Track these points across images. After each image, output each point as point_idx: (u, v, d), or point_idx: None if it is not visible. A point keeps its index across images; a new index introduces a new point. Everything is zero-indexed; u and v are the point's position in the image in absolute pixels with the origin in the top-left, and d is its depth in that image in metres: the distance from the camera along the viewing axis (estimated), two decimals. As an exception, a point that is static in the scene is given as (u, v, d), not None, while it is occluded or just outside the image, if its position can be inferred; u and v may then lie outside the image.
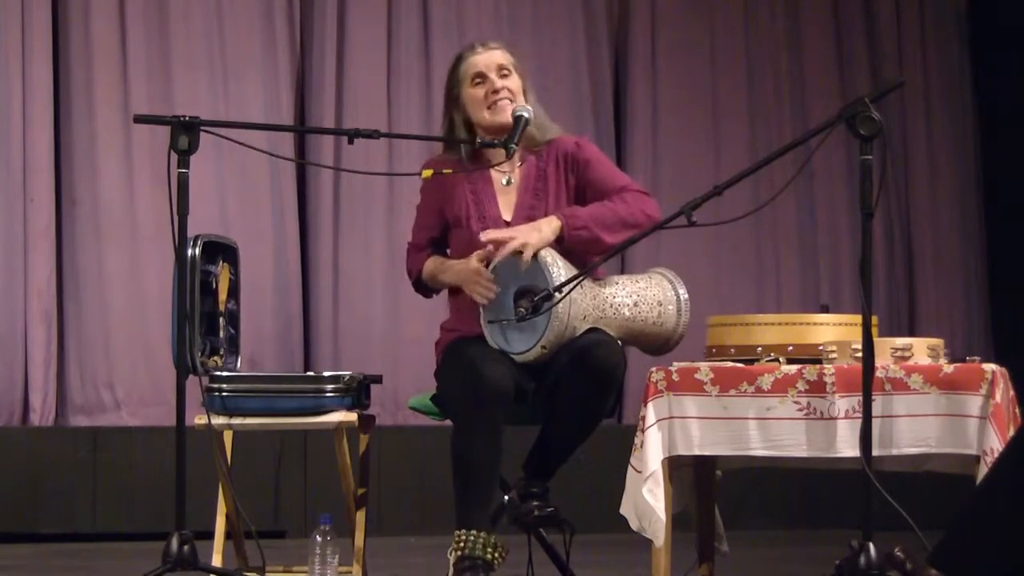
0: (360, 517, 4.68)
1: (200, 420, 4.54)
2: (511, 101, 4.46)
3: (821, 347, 4.19)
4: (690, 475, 4.49)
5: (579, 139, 4.57)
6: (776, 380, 4.15)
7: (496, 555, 4.16)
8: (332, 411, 4.54)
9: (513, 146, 4.40)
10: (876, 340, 4.02)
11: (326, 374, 4.60)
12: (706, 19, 7.99)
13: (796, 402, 4.14)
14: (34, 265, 6.98)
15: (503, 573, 4.23)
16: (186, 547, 4.18)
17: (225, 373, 4.62)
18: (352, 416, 4.54)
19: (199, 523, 4.49)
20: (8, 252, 6.95)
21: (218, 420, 4.53)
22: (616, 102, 7.91)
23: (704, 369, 4.21)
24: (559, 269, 4.22)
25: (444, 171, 4.45)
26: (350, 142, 4.44)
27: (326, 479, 6.21)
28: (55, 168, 7.08)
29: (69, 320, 7.06)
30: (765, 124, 7.98)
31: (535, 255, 4.26)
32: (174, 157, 4.27)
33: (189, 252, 4.53)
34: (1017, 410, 4.15)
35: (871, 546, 3.87)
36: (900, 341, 4.19)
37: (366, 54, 7.49)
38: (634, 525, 4.21)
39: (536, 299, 4.15)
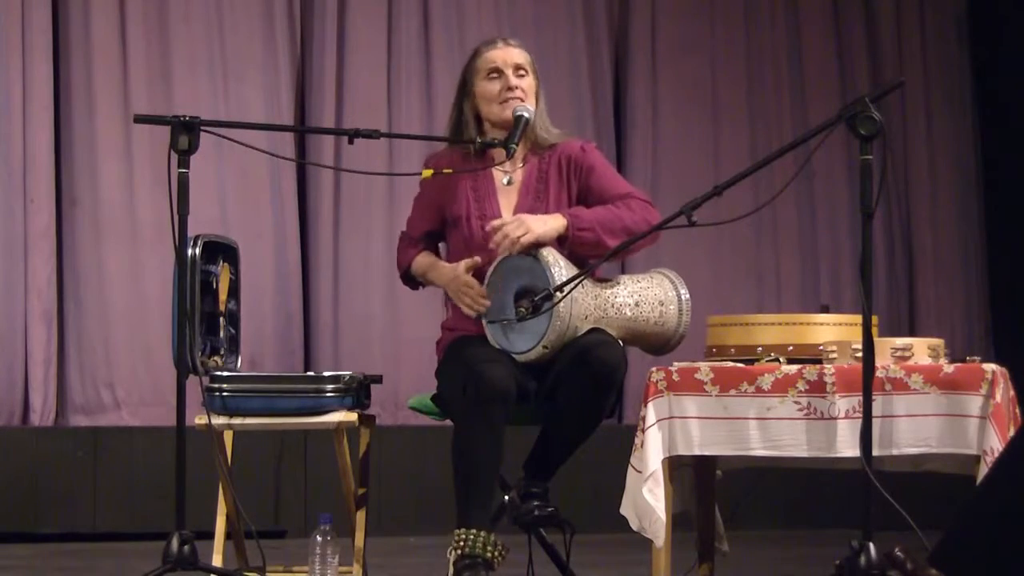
0: (360, 517, 4.67)
1: (200, 420, 4.54)
2: (523, 101, 4.46)
3: (821, 347, 4.19)
4: (690, 475, 4.49)
5: (584, 144, 4.56)
6: (776, 380, 4.16)
7: (496, 554, 4.16)
8: (332, 411, 4.53)
9: (513, 146, 4.40)
10: (876, 340, 4.02)
11: (326, 374, 4.59)
12: (706, 19, 7.99)
13: (796, 402, 4.14)
14: (34, 265, 6.98)
15: (503, 573, 4.23)
16: (186, 547, 4.18)
17: (225, 373, 4.61)
18: (352, 416, 4.54)
19: (199, 523, 4.49)
20: (8, 252, 6.95)
21: (218, 420, 4.53)
22: (616, 102, 7.90)
23: (704, 369, 4.21)
24: (560, 268, 4.22)
25: (444, 171, 4.45)
26: (350, 142, 4.44)
27: (326, 479, 6.21)
28: (55, 168, 7.07)
29: (69, 320, 7.06)
30: (765, 124, 7.98)
31: (537, 255, 4.26)
32: (174, 157, 4.27)
33: (189, 252, 4.53)
34: (1017, 410, 4.15)
35: (871, 546, 3.87)
36: (900, 341, 4.19)
37: (366, 54, 7.49)
38: (634, 525, 4.21)
39: (536, 299, 4.16)
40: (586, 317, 4.27)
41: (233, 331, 4.81)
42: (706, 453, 4.26)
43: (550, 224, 4.31)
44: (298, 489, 6.79)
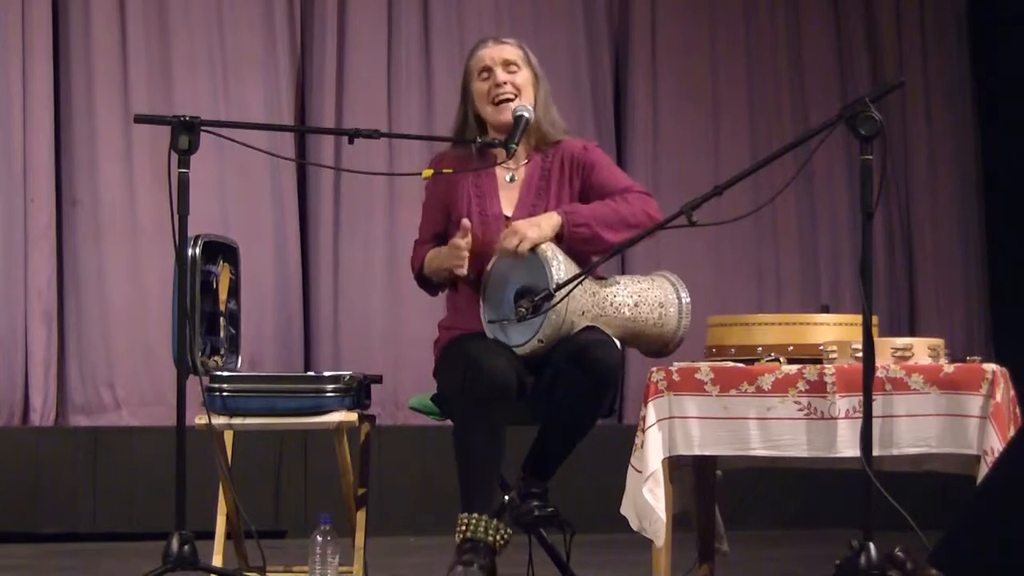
0: (360, 517, 4.67)
1: (200, 420, 4.54)
2: (516, 97, 4.46)
3: (821, 347, 4.19)
4: (690, 475, 4.49)
5: (587, 142, 4.57)
6: (776, 380, 4.16)
7: (499, 538, 4.17)
8: (332, 411, 4.53)
9: (513, 146, 4.40)
10: (876, 340, 4.02)
11: (326, 374, 4.59)
12: (706, 19, 7.99)
13: (796, 402, 4.14)
14: (34, 265, 6.98)
15: (503, 573, 4.23)
16: (186, 547, 4.18)
17: (225, 373, 4.61)
18: (352, 416, 4.54)
19: (199, 523, 4.48)
20: (8, 252, 6.95)
21: (218, 420, 4.53)
22: (616, 102, 7.91)
23: (704, 369, 4.21)
24: (559, 264, 4.22)
25: (444, 171, 4.45)
26: (350, 142, 4.44)
27: (326, 479, 6.21)
28: (55, 168, 7.08)
29: (69, 320, 7.06)
30: (765, 124, 7.98)
31: (535, 250, 4.26)
32: (174, 157, 4.27)
33: (189, 252, 4.52)
34: (1017, 410, 4.15)
35: (871, 546, 3.87)
36: (900, 341, 4.19)
37: (366, 54, 7.49)
38: (634, 525, 4.21)
39: (536, 299, 4.16)
40: (583, 313, 4.27)
41: (233, 331, 4.81)
42: (706, 453, 4.26)
43: (544, 226, 4.31)
44: (298, 489, 6.79)
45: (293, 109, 7.43)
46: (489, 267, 4.36)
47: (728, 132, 7.94)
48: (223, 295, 4.77)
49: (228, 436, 4.70)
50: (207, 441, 4.59)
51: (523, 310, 4.17)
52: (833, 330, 4.24)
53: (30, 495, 6.57)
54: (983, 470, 3.94)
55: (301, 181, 7.47)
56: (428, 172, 4.47)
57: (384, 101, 7.50)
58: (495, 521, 4.18)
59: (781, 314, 4.81)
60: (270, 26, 7.38)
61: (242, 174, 7.26)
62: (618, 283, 4.40)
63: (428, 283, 4.56)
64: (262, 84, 7.34)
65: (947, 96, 8.19)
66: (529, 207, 4.44)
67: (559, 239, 4.32)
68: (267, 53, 7.37)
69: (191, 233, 4.40)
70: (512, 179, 4.51)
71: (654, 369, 4.24)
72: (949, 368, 4.10)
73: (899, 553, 3.92)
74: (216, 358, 4.70)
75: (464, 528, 4.17)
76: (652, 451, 4.18)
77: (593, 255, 4.36)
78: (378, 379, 4.70)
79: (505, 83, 4.46)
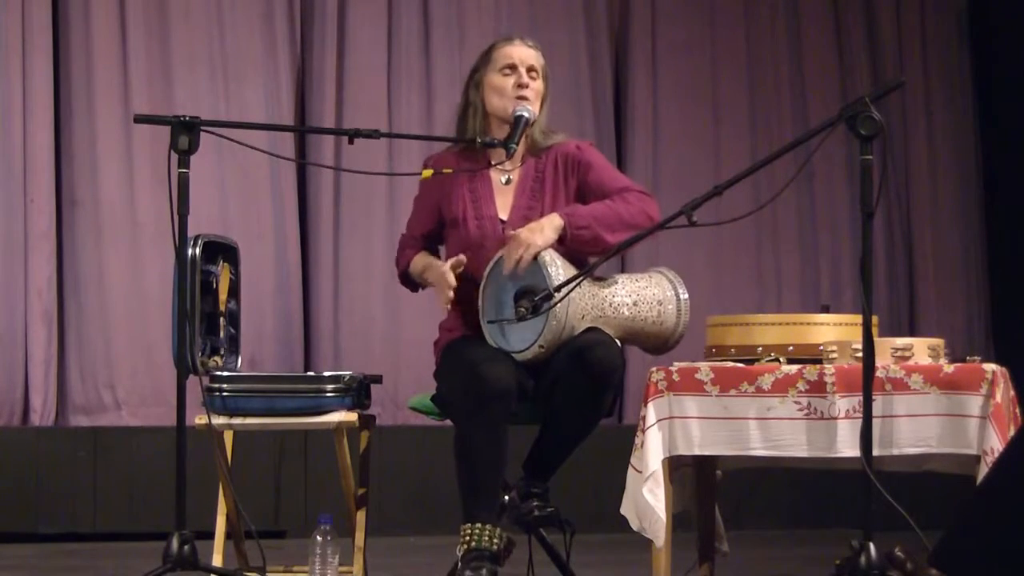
0: (360, 517, 4.67)
1: (200, 420, 4.54)
2: (531, 102, 4.47)
3: (821, 347, 4.19)
4: (690, 475, 4.49)
5: (580, 142, 4.56)
6: (776, 380, 4.16)
7: (503, 547, 4.17)
8: (332, 411, 4.53)
9: (513, 146, 4.40)
10: (876, 340, 4.02)
11: (326, 374, 4.59)
12: (706, 19, 7.99)
13: (796, 402, 4.14)
14: (34, 265, 6.98)
15: (503, 573, 4.23)
16: (186, 547, 4.18)
17: (225, 373, 4.61)
18: (352, 416, 4.54)
19: (199, 523, 4.48)
20: (8, 252, 6.95)
21: (218, 420, 4.53)
22: (616, 102, 7.91)
23: (704, 369, 4.21)
24: (558, 269, 4.22)
25: (444, 171, 4.45)
26: (350, 142, 4.44)
27: (326, 479, 6.21)
28: (55, 168, 7.07)
29: (69, 320, 7.06)
30: (765, 124, 7.98)
31: (535, 256, 4.26)
32: (174, 157, 4.27)
33: (189, 252, 4.53)
34: (1017, 410, 4.15)
35: (871, 546, 3.87)
36: (900, 341, 4.19)
37: (366, 54, 7.49)
38: (634, 525, 4.21)
39: (536, 299, 4.15)
40: (583, 316, 4.27)
41: (233, 331, 4.81)
42: (706, 453, 4.26)
43: (547, 230, 4.30)
44: (298, 489, 6.79)
45: (293, 109, 7.43)
46: (488, 268, 4.36)
47: (728, 132, 7.94)
48: (223, 295, 4.77)
49: (228, 436, 4.70)
50: (207, 441, 4.59)
51: (523, 310, 4.16)
52: (833, 330, 4.24)
53: (30, 495, 6.57)
54: (983, 470, 3.94)
55: (301, 181, 7.47)
56: (428, 172, 4.47)
57: (384, 101, 7.50)
58: (498, 530, 4.18)
59: (781, 314, 4.82)
60: (270, 26, 7.38)
61: (242, 174, 7.26)
62: (616, 283, 4.39)
63: (411, 283, 4.58)
64: (262, 84, 7.34)
65: (947, 96, 8.19)
66: (524, 210, 4.44)
67: (561, 241, 4.31)
68: (267, 53, 7.37)
69: (191, 233, 4.40)
70: (508, 181, 4.51)
71: (654, 369, 4.24)
72: (949, 368, 4.10)
73: (899, 553, 3.93)
74: (216, 358, 4.70)
75: (468, 538, 4.16)
76: (652, 451, 4.18)
77: (593, 256, 4.36)
78: (378, 379, 4.70)
79: (527, 87, 4.47)
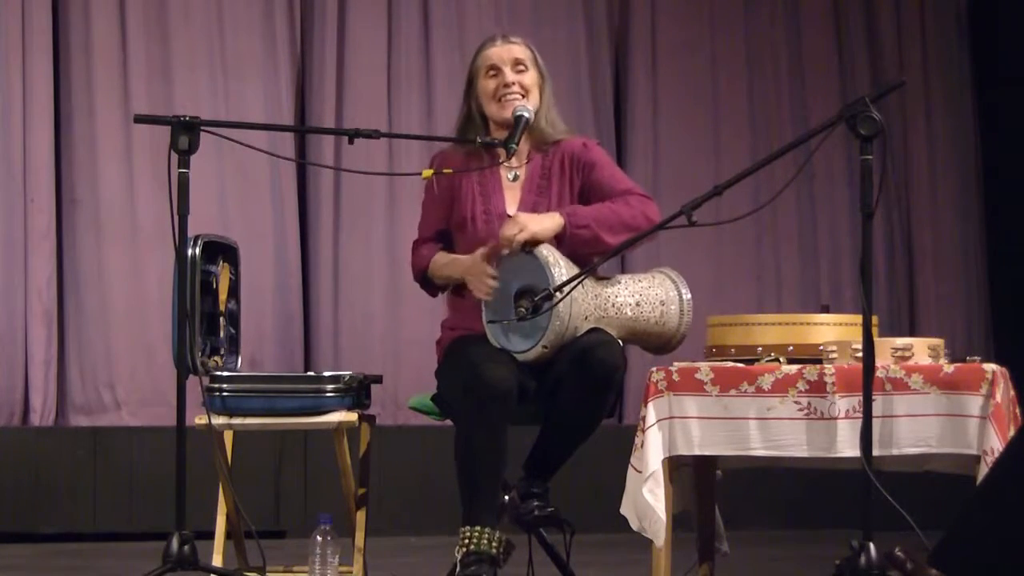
0: (360, 517, 4.67)
1: (200, 420, 4.54)
2: (522, 97, 4.46)
3: (821, 347, 4.19)
4: (690, 475, 4.49)
5: (586, 140, 4.56)
6: (776, 380, 4.15)
7: (501, 550, 4.17)
8: (332, 411, 4.53)
9: (513, 146, 4.40)
10: (876, 340, 4.02)
11: (326, 374, 4.59)
12: (706, 19, 7.99)
13: (796, 402, 4.14)
14: (34, 265, 6.98)
15: (503, 573, 4.23)
16: (186, 547, 4.18)
17: (225, 373, 4.61)
18: (352, 416, 4.54)
19: (199, 523, 4.49)
20: (8, 252, 6.95)
21: (218, 420, 4.53)
22: (616, 102, 7.91)
23: (704, 369, 4.21)
24: (560, 268, 4.22)
25: (444, 171, 4.45)
26: (350, 142, 4.44)
27: (326, 479, 6.21)
28: (55, 168, 7.08)
29: (69, 320, 7.06)
30: (765, 124, 7.98)
31: (536, 253, 4.25)
32: (174, 157, 4.27)
33: (189, 252, 4.52)
34: (1017, 410, 4.15)
35: (871, 546, 3.87)
36: (900, 341, 4.19)
37: (366, 54, 7.49)
38: (634, 525, 4.21)
39: (537, 299, 4.15)
40: (586, 317, 4.27)
41: (233, 331, 4.81)
42: (706, 453, 4.26)
43: (546, 222, 4.30)
44: (298, 489, 6.79)
45: (293, 109, 7.43)
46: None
47: (728, 132, 7.94)
48: (223, 295, 4.77)
49: (228, 436, 4.70)
50: (207, 441, 4.59)
51: (523, 310, 4.16)
52: (833, 330, 4.24)
53: (30, 495, 6.57)
54: (983, 470, 3.94)
55: (301, 181, 7.47)
56: (428, 172, 4.47)
57: (384, 101, 7.50)
58: (497, 533, 4.18)
59: (781, 314, 4.81)
60: (270, 26, 7.38)
61: (242, 174, 7.26)
62: (619, 283, 4.39)
63: (431, 285, 4.55)
64: (262, 84, 7.34)
65: (947, 96, 8.19)
66: (531, 206, 4.44)
67: (560, 240, 4.31)
68: (267, 53, 7.37)
69: (191, 233, 4.40)
70: (515, 177, 4.51)
71: (654, 369, 4.24)
72: (949, 368, 4.09)
73: (899, 553, 3.92)
74: (216, 358, 4.70)
75: (467, 541, 4.16)
76: (652, 451, 4.18)
77: (593, 256, 4.36)
78: (378, 379, 4.70)
79: (513, 83, 4.46)
